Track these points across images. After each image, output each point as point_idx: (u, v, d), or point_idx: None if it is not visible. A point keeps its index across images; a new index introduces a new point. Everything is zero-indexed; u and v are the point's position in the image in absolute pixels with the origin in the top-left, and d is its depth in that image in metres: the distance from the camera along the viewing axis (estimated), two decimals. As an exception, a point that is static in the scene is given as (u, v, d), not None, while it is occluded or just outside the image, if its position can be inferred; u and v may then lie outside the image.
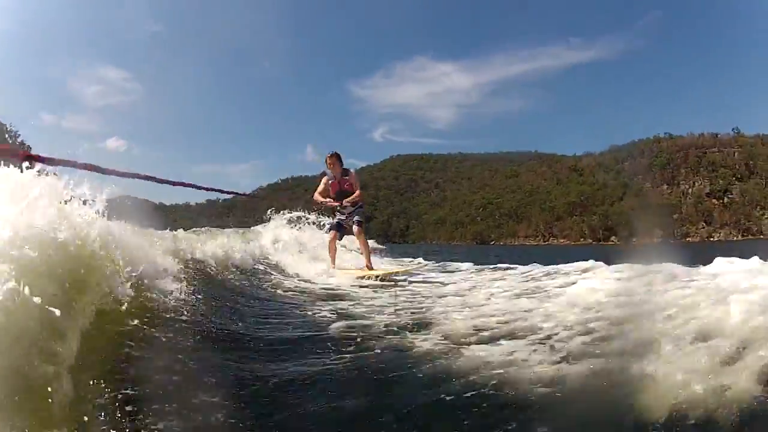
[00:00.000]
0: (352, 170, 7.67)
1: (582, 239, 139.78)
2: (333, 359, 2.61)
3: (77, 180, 2.55)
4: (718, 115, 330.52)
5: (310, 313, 3.91)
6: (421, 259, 8.45)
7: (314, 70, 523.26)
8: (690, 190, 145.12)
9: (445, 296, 4.83)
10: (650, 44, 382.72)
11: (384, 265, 8.76)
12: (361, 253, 7.54)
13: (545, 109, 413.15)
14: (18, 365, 1.49)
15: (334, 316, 3.71)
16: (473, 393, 2.11)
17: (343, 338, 3.00)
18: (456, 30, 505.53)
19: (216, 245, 5.87)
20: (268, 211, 10.97)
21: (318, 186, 7.66)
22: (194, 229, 8.35)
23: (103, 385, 1.81)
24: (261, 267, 6.61)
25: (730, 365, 2.05)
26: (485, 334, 3.00)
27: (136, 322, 2.48)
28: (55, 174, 2.38)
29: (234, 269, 5.68)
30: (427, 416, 2.00)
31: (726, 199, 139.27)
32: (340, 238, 7.61)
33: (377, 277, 6.60)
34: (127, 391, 1.85)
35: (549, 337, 2.83)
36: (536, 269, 6.89)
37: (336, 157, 7.49)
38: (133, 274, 2.83)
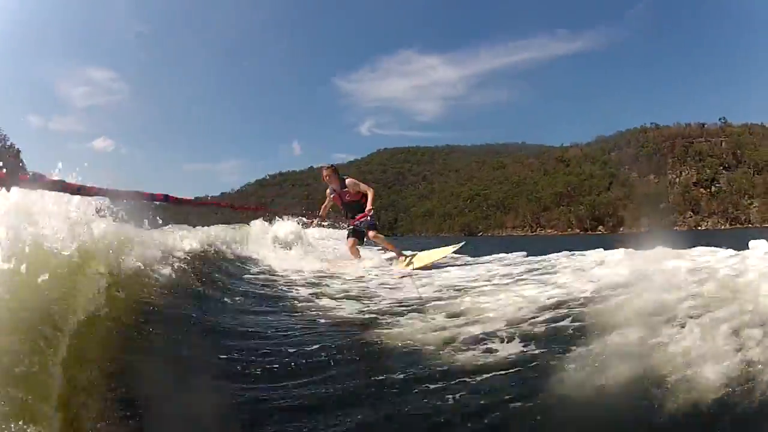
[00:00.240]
0: (351, 179, 7.60)
1: (569, 229, 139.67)
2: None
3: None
4: (705, 105, 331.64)
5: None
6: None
7: (300, 66, 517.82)
8: (677, 180, 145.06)
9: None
10: (637, 35, 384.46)
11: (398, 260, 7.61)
12: (387, 250, 7.65)
13: (532, 100, 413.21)
14: (11, 357, 1.52)
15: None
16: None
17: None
18: (442, 23, 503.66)
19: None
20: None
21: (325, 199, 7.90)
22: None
23: (96, 382, 1.83)
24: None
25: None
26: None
27: (132, 318, 2.58)
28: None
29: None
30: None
31: (713, 189, 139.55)
32: (361, 243, 7.77)
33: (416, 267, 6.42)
34: (121, 388, 1.88)
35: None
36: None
37: (331, 170, 7.56)
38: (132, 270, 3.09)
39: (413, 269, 6.23)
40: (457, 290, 4.32)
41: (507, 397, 1.94)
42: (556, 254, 6.10)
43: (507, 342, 2.52)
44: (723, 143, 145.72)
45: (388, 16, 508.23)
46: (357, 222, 7.51)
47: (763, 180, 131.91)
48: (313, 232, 12.32)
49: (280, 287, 4.91)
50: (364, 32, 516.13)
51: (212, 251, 5.76)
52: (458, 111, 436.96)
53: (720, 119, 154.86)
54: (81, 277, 2.28)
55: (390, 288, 4.80)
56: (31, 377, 1.49)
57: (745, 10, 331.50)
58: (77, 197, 2.72)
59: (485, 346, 2.49)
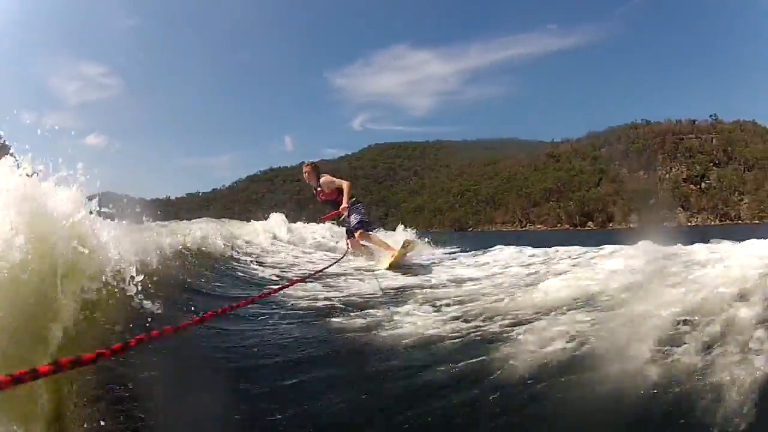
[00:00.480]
0: (325, 176, 7.25)
1: (559, 225, 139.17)
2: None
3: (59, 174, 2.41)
4: (696, 102, 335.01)
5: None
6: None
7: (292, 60, 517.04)
8: (667, 176, 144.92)
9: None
10: (629, 31, 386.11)
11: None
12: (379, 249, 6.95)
13: (524, 96, 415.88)
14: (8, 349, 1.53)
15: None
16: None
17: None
18: (434, 18, 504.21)
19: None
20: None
21: None
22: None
23: (91, 380, 1.85)
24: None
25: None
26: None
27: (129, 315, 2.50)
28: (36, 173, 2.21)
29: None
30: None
31: (703, 185, 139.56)
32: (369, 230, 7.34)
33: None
34: (119, 386, 1.91)
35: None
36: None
37: (310, 168, 7.32)
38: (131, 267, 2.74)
39: (388, 265, 6.03)
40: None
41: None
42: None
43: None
44: (713, 140, 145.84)
45: (381, 10, 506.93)
46: (346, 222, 7.18)
47: (753, 177, 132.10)
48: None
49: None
50: (356, 26, 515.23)
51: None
52: (450, 106, 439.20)
53: (711, 116, 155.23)
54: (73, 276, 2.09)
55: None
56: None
57: (735, 8, 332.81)
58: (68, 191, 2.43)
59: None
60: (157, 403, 1.86)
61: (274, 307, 3.54)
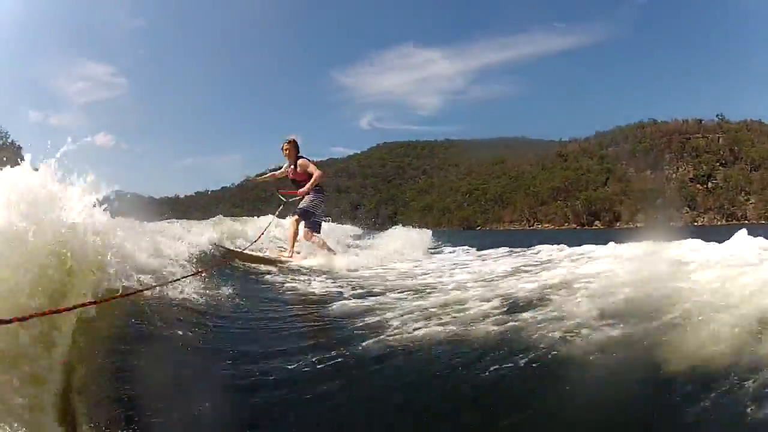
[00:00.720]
0: (304, 159, 7.40)
1: (566, 224, 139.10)
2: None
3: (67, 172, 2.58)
4: (702, 101, 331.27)
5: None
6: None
7: (299, 60, 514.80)
8: (674, 176, 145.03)
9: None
10: (636, 29, 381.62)
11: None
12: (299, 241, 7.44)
13: (531, 95, 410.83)
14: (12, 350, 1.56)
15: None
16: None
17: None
18: (441, 16, 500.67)
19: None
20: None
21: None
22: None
23: (96, 379, 1.89)
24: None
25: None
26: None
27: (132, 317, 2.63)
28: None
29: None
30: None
31: (710, 185, 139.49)
32: (312, 228, 7.41)
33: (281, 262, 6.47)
34: (123, 385, 1.92)
35: None
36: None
37: (290, 144, 7.39)
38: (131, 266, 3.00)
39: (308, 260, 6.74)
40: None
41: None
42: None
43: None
44: (720, 139, 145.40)
45: (386, 9, 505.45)
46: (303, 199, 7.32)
47: (759, 176, 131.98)
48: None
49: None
50: (362, 25, 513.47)
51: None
52: (458, 105, 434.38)
53: (717, 115, 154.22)
54: (78, 275, 2.26)
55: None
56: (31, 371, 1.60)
57: (742, 6, 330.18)
58: (79, 190, 2.63)
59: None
60: (155, 396, 1.86)
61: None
